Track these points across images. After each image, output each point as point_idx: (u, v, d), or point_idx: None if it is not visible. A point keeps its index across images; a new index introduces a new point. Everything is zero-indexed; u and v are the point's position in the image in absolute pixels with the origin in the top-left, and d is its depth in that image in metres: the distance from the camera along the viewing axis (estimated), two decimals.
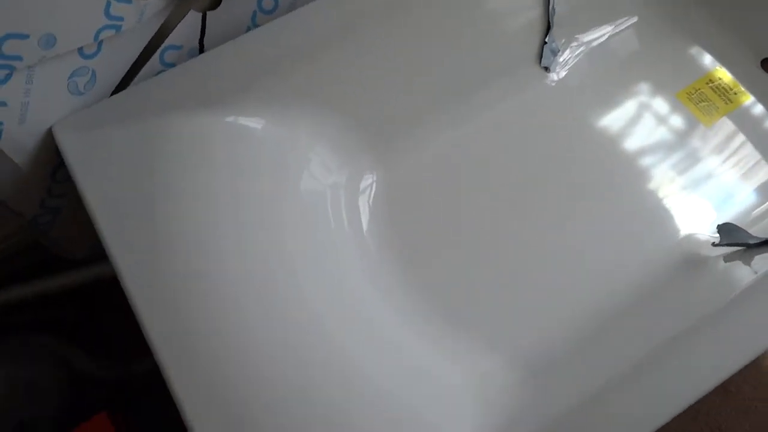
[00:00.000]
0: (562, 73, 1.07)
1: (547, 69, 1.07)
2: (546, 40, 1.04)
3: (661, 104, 1.06)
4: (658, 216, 0.98)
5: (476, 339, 0.87)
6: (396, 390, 0.79)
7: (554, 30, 1.05)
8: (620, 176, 1.01)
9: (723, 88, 1.07)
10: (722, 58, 1.09)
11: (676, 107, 1.06)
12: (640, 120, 1.05)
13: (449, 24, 1.01)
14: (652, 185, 0.99)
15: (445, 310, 0.89)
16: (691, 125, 1.04)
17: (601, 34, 1.09)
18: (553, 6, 1.04)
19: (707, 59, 1.10)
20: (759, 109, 1.06)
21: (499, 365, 0.84)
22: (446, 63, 1.00)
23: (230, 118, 0.88)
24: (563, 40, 1.07)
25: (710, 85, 1.07)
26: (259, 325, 0.75)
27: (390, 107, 0.98)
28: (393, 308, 0.89)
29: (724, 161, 1.02)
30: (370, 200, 0.98)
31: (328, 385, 0.75)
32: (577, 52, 1.09)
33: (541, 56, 1.05)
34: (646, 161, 1.01)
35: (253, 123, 0.90)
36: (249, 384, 0.70)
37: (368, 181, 0.99)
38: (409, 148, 1.00)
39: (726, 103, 1.06)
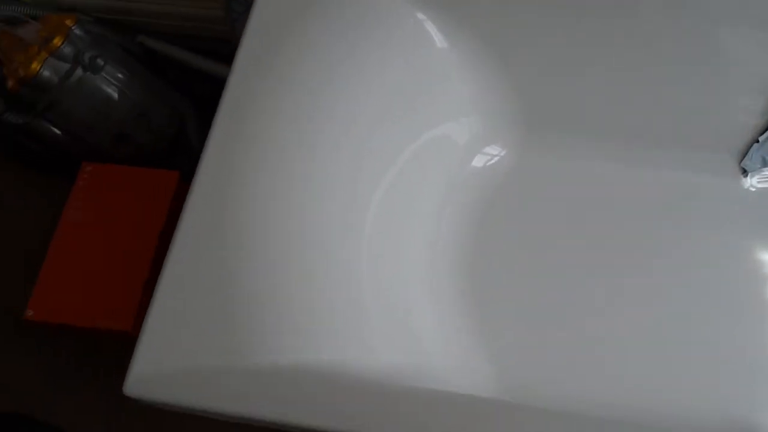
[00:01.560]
0: (759, 184, 0.91)
1: (744, 172, 0.92)
2: (759, 139, 0.88)
3: None
4: None
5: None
6: None
7: None
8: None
9: None
10: None
11: None
12: None
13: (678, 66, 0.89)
14: None
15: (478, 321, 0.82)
16: None
17: None
18: None
19: None
20: None
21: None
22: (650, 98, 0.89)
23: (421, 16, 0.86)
24: None
25: None
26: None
27: (568, 103, 0.91)
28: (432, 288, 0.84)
29: None
30: (483, 170, 0.92)
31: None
32: None
33: (744, 154, 0.90)
34: None
35: (439, 40, 0.87)
36: None
37: (495, 152, 0.94)
38: (555, 148, 0.93)
39: None
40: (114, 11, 1.19)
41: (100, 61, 0.96)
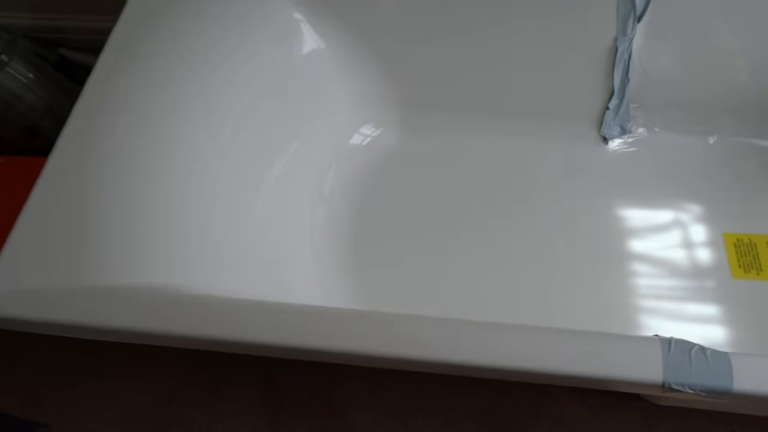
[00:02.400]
0: (619, 149, 1.00)
1: (605, 140, 1.01)
2: (609, 106, 0.97)
3: (700, 232, 0.93)
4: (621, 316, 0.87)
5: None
6: None
7: (630, 105, 0.99)
8: (612, 268, 0.91)
9: None
10: None
11: (713, 243, 0.92)
12: (667, 232, 0.94)
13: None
14: (637, 290, 0.89)
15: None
16: (717, 267, 0.90)
17: (680, 136, 1.00)
18: (625, 73, 0.95)
19: None
20: None
21: None
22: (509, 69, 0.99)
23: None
24: (639, 120, 1.00)
25: None
26: None
27: (438, 84, 1.00)
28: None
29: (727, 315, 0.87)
30: (362, 148, 1.00)
31: None
32: (647, 140, 1.01)
33: (602, 123, 0.99)
34: (645, 268, 0.90)
35: (315, 39, 0.96)
36: None
37: (370, 132, 1.02)
38: (434, 128, 1.02)
39: None
40: (41, 29, 1.28)
41: (4, 57, 1.04)
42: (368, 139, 1.01)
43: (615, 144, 1.01)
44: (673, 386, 0.50)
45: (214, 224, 0.72)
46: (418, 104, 1.01)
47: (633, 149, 1.02)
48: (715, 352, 0.52)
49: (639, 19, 0.86)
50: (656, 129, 1.01)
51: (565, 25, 0.89)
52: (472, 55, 0.97)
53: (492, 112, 1.01)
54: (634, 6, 0.83)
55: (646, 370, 0.51)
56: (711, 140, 1.00)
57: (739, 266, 0.91)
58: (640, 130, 1.02)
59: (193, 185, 0.72)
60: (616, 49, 0.89)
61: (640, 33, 0.88)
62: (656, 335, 0.55)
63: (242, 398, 0.96)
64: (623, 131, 1.01)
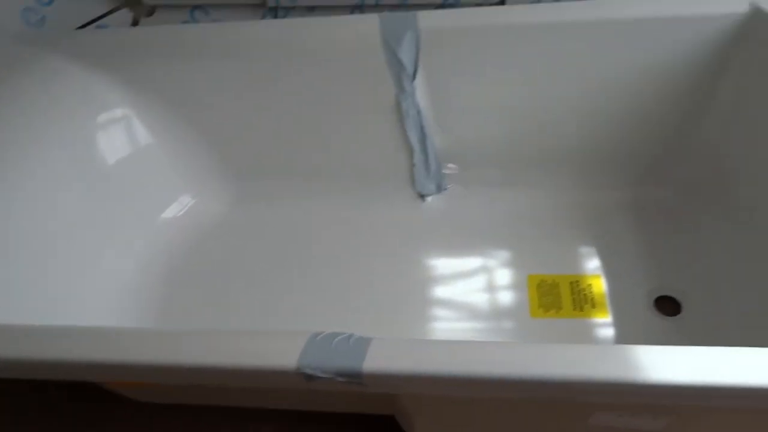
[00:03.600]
0: (435, 204, 1.05)
1: (422, 196, 1.05)
2: (414, 162, 1.02)
3: (505, 276, 0.95)
4: None
5: None
6: None
7: (445, 164, 1.05)
8: (418, 314, 0.92)
9: (585, 295, 0.91)
10: (610, 272, 0.94)
11: (517, 286, 0.93)
12: (474, 278, 0.95)
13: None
14: (438, 333, 0.89)
15: None
16: (517, 308, 0.90)
17: (492, 190, 1.04)
18: (420, 130, 1.01)
19: (594, 263, 0.95)
20: (609, 332, 0.87)
21: None
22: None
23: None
24: (454, 177, 1.06)
25: (573, 286, 0.92)
26: None
27: (261, 154, 1.07)
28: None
29: None
30: (181, 219, 1.05)
31: None
32: (461, 195, 1.05)
33: (413, 178, 1.05)
34: (448, 313, 0.92)
35: (143, 134, 1.05)
36: None
37: (189, 202, 1.08)
38: (260, 195, 1.08)
39: (574, 309, 0.90)
40: None
41: None
42: (185, 209, 1.07)
43: (431, 200, 1.06)
44: (307, 371, 0.50)
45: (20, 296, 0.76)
46: (241, 174, 1.08)
47: (448, 204, 1.06)
48: (359, 339, 0.52)
49: (414, 76, 0.94)
50: (471, 185, 1.06)
51: (354, 88, 0.97)
52: (289, 124, 1.04)
53: (313, 176, 1.07)
54: (402, 64, 0.92)
55: (282, 358, 0.51)
56: (520, 193, 1.05)
57: (540, 306, 0.91)
58: (456, 186, 1.07)
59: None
60: (400, 106, 0.97)
61: (421, 90, 0.96)
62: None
63: None
64: (439, 188, 1.06)
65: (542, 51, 0.92)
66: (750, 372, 0.48)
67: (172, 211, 1.05)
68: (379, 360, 0.50)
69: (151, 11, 1.04)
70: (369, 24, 0.91)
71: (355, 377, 0.50)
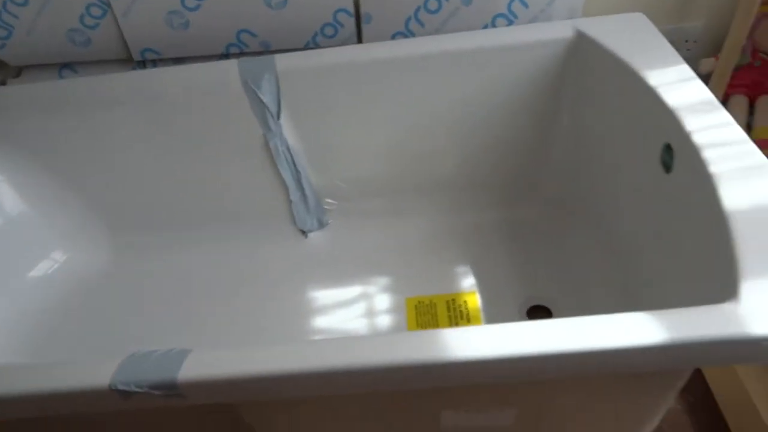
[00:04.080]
0: (317, 240, 1.07)
1: (304, 233, 1.07)
2: (291, 199, 1.05)
3: (385, 300, 0.96)
4: None
5: None
6: None
7: (325, 199, 1.08)
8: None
9: (461, 311, 0.94)
10: (485, 287, 0.97)
11: (395, 308, 0.95)
12: (355, 305, 0.96)
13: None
14: None
15: None
16: (394, 328, 0.92)
17: (373, 220, 1.08)
18: (293, 167, 1.04)
19: (470, 281, 0.98)
20: None
21: None
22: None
23: None
24: (334, 211, 1.08)
25: (450, 304, 0.95)
26: None
27: (137, 206, 1.07)
28: None
29: None
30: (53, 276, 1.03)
31: None
32: (343, 228, 1.08)
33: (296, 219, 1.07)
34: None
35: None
36: None
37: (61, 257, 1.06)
38: (139, 248, 1.07)
39: (450, 325, 0.92)
40: None
41: None
42: (57, 265, 1.05)
43: (313, 236, 1.08)
44: (120, 387, 0.50)
45: None
46: (118, 227, 1.08)
47: (330, 238, 1.08)
48: (179, 351, 0.52)
49: (278, 116, 0.97)
50: (352, 217, 1.09)
51: (222, 132, 0.99)
52: (164, 175, 1.05)
53: (192, 225, 1.08)
54: (264, 105, 0.96)
55: (95, 378, 0.50)
56: (400, 221, 1.08)
57: (417, 325, 0.93)
58: (337, 220, 1.09)
59: None
60: (269, 145, 1.00)
61: (289, 129, 1.00)
62: None
63: None
64: (320, 224, 1.08)
65: (401, 85, 0.97)
66: (564, 339, 0.51)
67: (41, 269, 1.03)
68: (195, 368, 0.50)
69: (18, 72, 1.05)
70: (229, 69, 0.95)
71: (171, 388, 0.50)
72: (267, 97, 0.95)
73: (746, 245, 0.54)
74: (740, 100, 1.05)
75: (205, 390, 0.50)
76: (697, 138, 0.67)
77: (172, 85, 0.96)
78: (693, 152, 0.67)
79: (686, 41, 1.09)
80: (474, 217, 1.08)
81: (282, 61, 0.95)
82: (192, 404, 0.51)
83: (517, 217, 1.08)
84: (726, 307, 0.50)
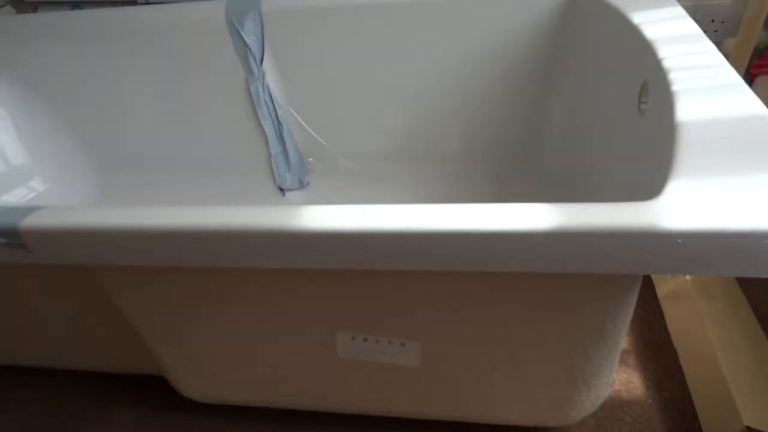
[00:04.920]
0: (295, 200, 1.02)
1: (282, 191, 1.03)
2: (271, 153, 1.01)
3: None
4: None
5: None
6: None
7: (308, 159, 1.03)
8: None
9: None
10: None
11: None
12: None
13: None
14: None
15: None
16: None
17: (356, 185, 1.02)
18: (276, 119, 1.00)
19: None
20: None
21: None
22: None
23: None
24: (317, 172, 1.04)
25: None
26: None
27: (125, 144, 1.07)
28: None
29: None
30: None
31: None
32: (325, 191, 1.03)
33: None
34: None
35: None
36: None
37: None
38: (124, 186, 1.06)
39: None
40: None
41: None
42: (34, 194, 1.05)
43: (291, 195, 1.03)
44: None
45: None
46: (99, 163, 1.07)
47: (308, 200, 1.03)
48: (31, 206, 0.49)
49: (261, 60, 0.95)
50: (334, 179, 1.04)
51: (209, 76, 0.98)
52: (149, 114, 1.04)
53: (173, 167, 1.06)
54: (247, 46, 0.94)
55: None
56: (385, 188, 1.02)
57: None
58: (319, 181, 1.04)
59: None
60: (250, 90, 0.97)
61: (273, 76, 0.97)
62: None
63: None
64: (301, 184, 1.04)
65: (396, 33, 0.92)
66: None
67: (16, 195, 1.04)
68: (41, 219, 0.46)
69: (35, 8, 1.10)
70: (217, 7, 0.94)
71: (13, 236, 0.46)
72: (250, 38, 0.94)
73: (687, 151, 0.45)
74: (766, 81, 0.94)
75: (50, 243, 0.46)
76: (672, 66, 0.59)
77: (162, 22, 0.96)
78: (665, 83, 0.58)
79: (712, 21, 0.99)
80: (464, 187, 1.01)
81: (268, 1, 0.93)
82: (43, 262, 0.48)
83: (511, 192, 0.99)
84: (643, 203, 0.41)
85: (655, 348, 0.78)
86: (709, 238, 0.40)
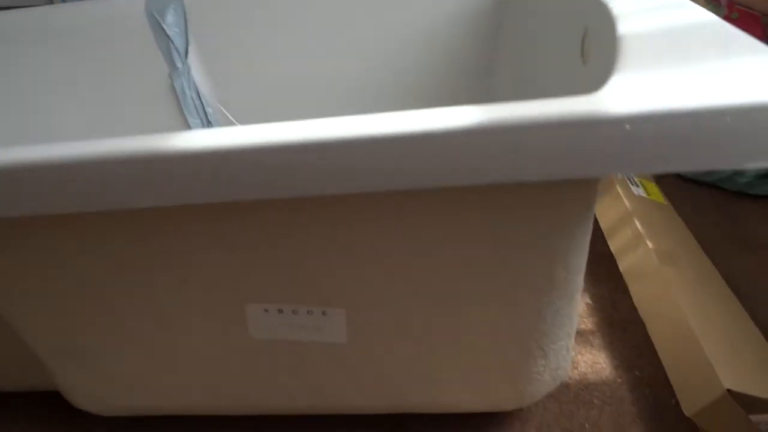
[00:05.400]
0: None
1: None
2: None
3: None
4: None
5: None
6: None
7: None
8: None
9: None
10: None
11: None
12: None
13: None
14: None
15: None
16: None
17: None
18: (204, 116, 0.93)
19: None
20: None
21: None
22: None
23: None
24: None
25: None
26: None
27: None
28: None
29: None
30: None
31: None
32: None
33: None
34: None
35: None
36: None
37: None
38: None
39: None
40: None
41: None
42: None
43: None
44: None
45: None
46: None
47: None
48: None
49: (186, 54, 0.89)
50: None
51: (130, 74, 0.91)
52: (71, 117, 0.97)
53: None
54: (170, 39, 0.87)
55: None
56: None
57: None
58: None
59: None
60: (174, 86, 0.90)
61: (197, 70, 0.90)
62: None
63: None
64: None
65: (328, 14, 0.87)
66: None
67: None
68: None
69: None
70: (137, 0, 0.89)
71: None
72: (172, 30, 0.87)
73: (627, 54, 0.40)
74: None
75: None
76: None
77: (79, 20, 0.90)
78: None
79: None
80: None
81: None
82: None
83: None
84: (585, 96, 0.35)
85: (622, 329, 0.71)
86: (660, 120, 0.34)
